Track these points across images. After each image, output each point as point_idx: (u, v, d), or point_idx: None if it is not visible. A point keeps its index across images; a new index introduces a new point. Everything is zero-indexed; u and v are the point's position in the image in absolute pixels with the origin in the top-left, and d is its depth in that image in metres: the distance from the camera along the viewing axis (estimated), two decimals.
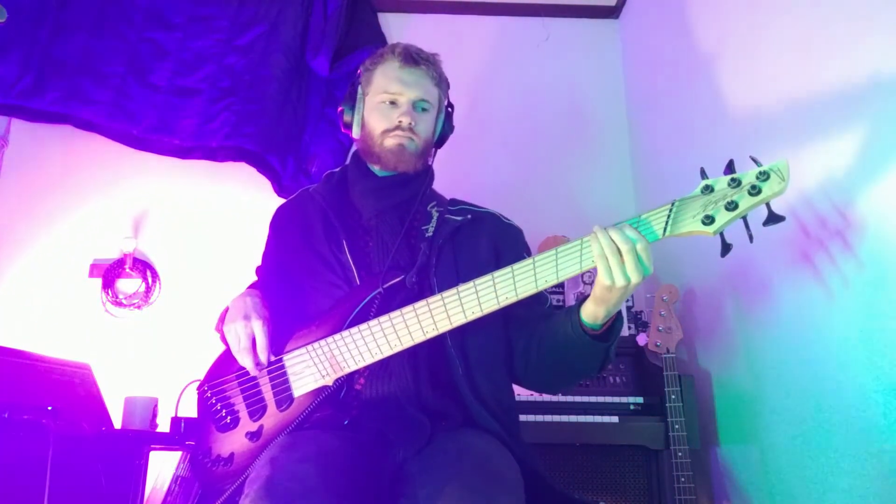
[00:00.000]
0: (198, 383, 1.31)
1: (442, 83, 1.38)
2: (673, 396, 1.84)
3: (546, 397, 1.98)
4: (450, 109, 1.41)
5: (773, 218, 0.97)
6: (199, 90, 2.58)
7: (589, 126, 2.80)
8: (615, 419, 1.94)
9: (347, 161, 1.45)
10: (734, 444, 1.87)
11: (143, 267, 2.52)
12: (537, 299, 1.27)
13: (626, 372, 2.09)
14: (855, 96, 1.37)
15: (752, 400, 1.76)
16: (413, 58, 1.33)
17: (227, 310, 1.28)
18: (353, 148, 1.44)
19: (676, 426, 1.81)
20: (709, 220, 0.99)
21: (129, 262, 2.51)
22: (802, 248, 1.52)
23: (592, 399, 1.99)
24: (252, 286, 1.38)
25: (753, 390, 1.75)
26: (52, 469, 1.24)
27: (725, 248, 1.01)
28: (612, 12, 2.91)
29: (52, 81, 2.52)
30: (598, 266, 1.01)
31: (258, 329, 1.19)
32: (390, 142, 1.30)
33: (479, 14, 2.91)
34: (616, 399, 1.99)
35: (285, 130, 2.60)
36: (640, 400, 1.99)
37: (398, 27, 2.88)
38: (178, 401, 1.28)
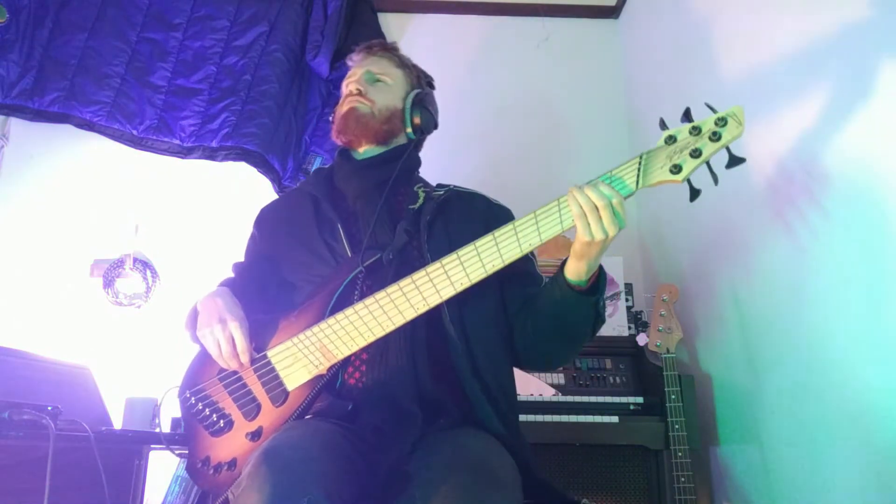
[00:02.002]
0: (176, 390, 1.28)
1: (406, 67, 1.45)
2: (673, 396, 1.84)
3: (546, 397, 1.99)
4: (422, 93, 1.41)
5: (734, 160, 1.03)
6: (199, 90, 2.58)
7: (589, 126, 2.80)
8: (615, 419, 1.94)
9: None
10: (734, 444, 1.87)
11: (143, 267, 2.52)
12: (533, 279, 1.30)
13: (626, 372, 2.09)
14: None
15: (752, 400, 1.76)
16: (368, 47, 1.44)
17: (195, 309, 1.26)
18: None
19: (676, 426, 1.81)
20: (676, 168, 1.04)
21: (130, 262, 2.51)
22: (803, 247, 1.53)
23: (592, 399, 1.99)
24: (224, 283, 1.36)
25: (753, 390, 1.75)
26: (52, 469, 1.23)
27: (694, 193, 1.05)
28: (612, 12, 2.91)
29: (52, 81, 2.53)
30: (577, 224, 1.05)
31: (236, 331, 1.16)
32: (343, 108, 1.37)
33: (479, 14, 2.91)
34: (616, 399, 1.99)
35: (285, 130, 2.60)
36: (640, 400, 1.98)
37: (398, 27, 2.88)
38: (159, 409, 1.25)
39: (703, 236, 2.07)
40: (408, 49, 2.82)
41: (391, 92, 1.39)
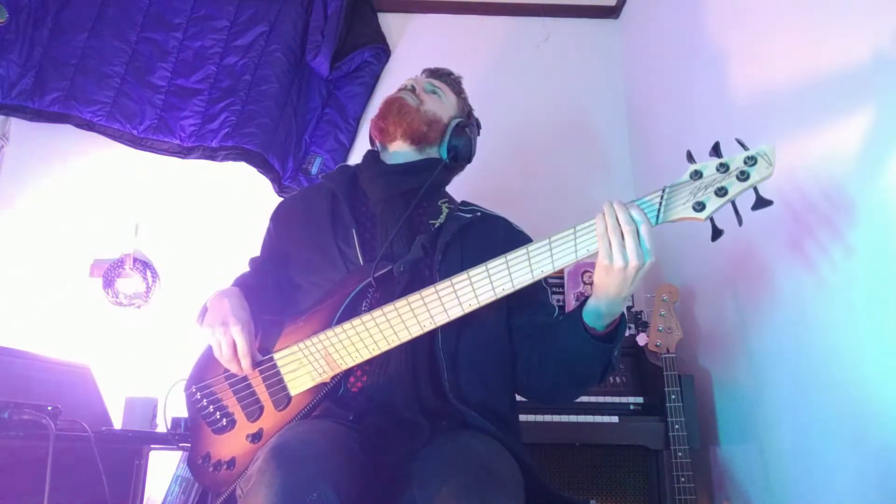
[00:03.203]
0: (179, 386, 1.28)
1: (462, 98, 1.49)
2: (673, 396, 1.84)
3: None
4: (467, 123, 1.43)
5: (761, 202, 0.98)
6: (199, 90, 2.58)
7: (589, 126, 2.80)
8: (615, 419, 1.94)
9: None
10: (734, 444, 1.87)
11: (143, 267, 2.52)
12: (544, 309, 1.27)
13: (626, 372, 2.09)
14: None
15: (752, 400, 1.75)
16: (436, 70, 1.50)
17: (205, 307, 1.26)
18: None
19: (676, 426, 1.81)
20: (700, 206, 0.99)
21: (130, 262, 2.51)
22: (804, 248, 1.52)
23: (592, 399, 1.99)
24: (239, 279, 1.36)
25: (753, 390, 1.75)
26: (52, 469, 1.23)
27: (716, 233, 1.00)
28: (612, 12, 2.91)
29: (52, 81, 2.53)
30: (599, 245, 1.00)
31: (237, 335, 1.15)
32: (391, 96, 1.41)
33: (479, 14, 2.91)
34: (616, 399, 1.99)
35: (285, 130, 2.60)
36: (640, 400, 1.99)
37: (398, 27, 2.88)
38: (165, 403, 1.25)
39: (706, 239, 2.06)
40: (408, 49, 2.82)
41: (442, 105, 1.42)
